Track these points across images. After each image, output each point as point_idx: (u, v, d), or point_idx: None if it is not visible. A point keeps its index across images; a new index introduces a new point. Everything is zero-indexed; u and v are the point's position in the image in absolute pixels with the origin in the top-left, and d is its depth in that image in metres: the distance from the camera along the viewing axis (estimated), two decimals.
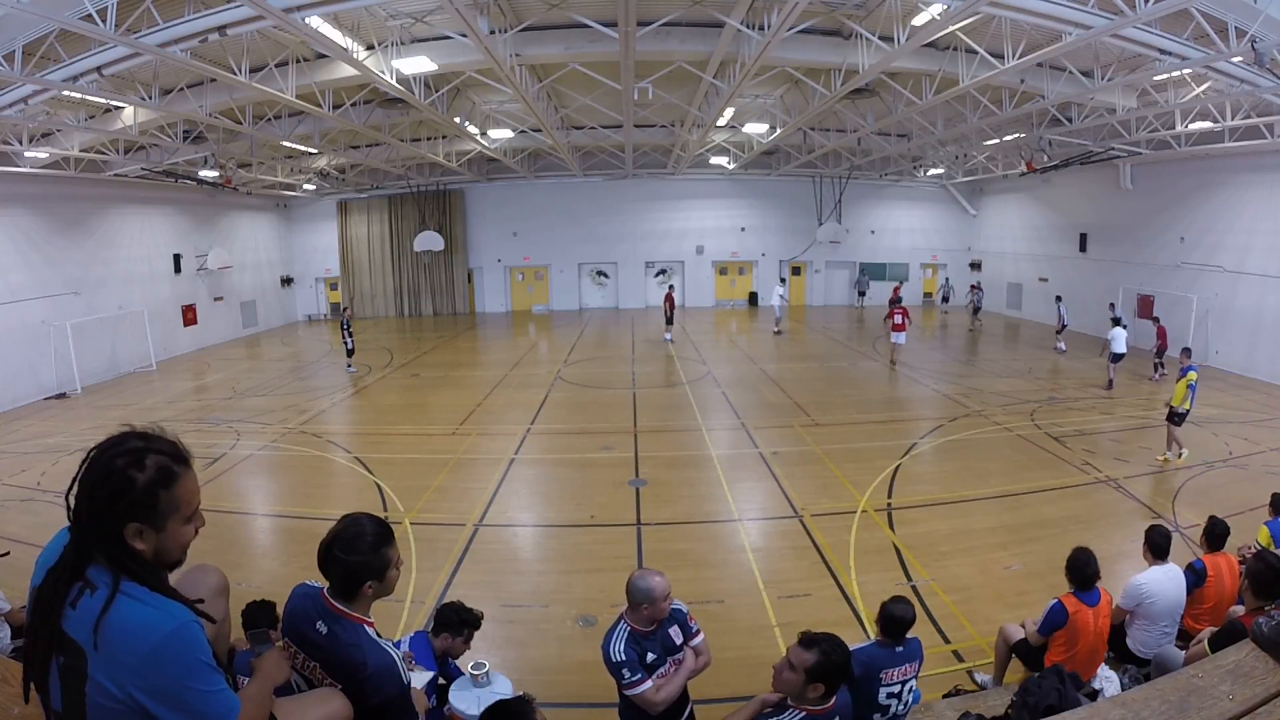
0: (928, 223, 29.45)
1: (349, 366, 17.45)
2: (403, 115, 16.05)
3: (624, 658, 3.26)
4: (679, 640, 3.46)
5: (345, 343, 17.33)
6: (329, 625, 2.16)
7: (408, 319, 28.17)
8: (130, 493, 1.58)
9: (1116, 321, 15.56)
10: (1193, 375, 9.74)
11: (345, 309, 19.93)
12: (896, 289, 24.33)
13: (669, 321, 21.02)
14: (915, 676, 3.66)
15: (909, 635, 3.76)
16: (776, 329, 22.26)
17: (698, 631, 3.55)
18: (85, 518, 1.58)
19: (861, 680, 3.48)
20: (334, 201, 28.04)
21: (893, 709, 3.58)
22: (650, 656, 3.33)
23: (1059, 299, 20.08)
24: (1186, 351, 10.74)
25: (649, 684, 3.27)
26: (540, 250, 28.69)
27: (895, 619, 3.72)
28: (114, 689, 1.52)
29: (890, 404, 13.88)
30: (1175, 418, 9.80)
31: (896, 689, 3.58)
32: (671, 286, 24.21)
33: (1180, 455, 9.81)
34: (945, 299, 27.17)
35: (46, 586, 1.60)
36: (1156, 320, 16.22)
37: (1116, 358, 14.38)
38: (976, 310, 23.55)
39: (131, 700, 1.53)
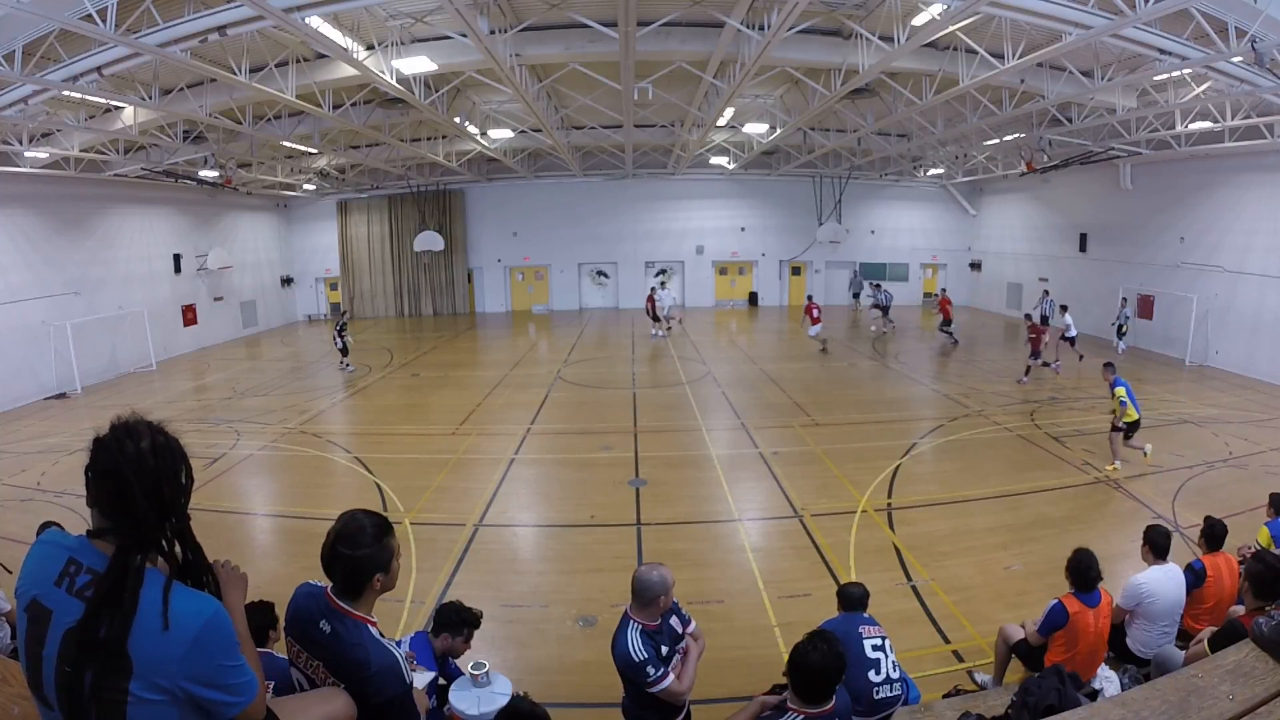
0: (928, 223, 29.44)
1: (346, 366, 17.46)
2: (403, 115, 16.04)
3: (646, 655, 3.30)
4: (680, 629, 3.54)
5: (336, 342, 17.39)
6: (332, 624, 2.16)
7: (408, 319, 28.16)
8: (182, 474, 1.62)
9: (1065, 309, 17.29)
10: (1120, 390, 9.34)
11: (344, 312, 19.85)
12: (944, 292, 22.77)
13: (655, 319, 21.59)
14: (887, 639, 3.79)
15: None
16: (667, 328, 21.87)
17: (690, 617, 3.66)
18: (147, 514, 1.56)
19: (846, 639, 3.52)
20: (334, 201, 28.03)
21: (883, 666, 3.62)
22: (664, 650, 3.40)
23: (1046, 292, 20.42)
24: (1109, 367, 10.11)
25: (671, 677, 3.35)
26: (540, 250, 28.68)
27: (854, 597, 4.02)
28: (161, 682, 1.54)
29: (890, 404, 13.88)
30: (1122, 428, 9.45)
31: (879, 642, 3.70)
32: (653, 289, 23.70)
33: (1116, 466, 9.49)
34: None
35: (102, 603, 1.51)
36: (1029, 318, 16.28)
37: (1071, 341, 16.49)
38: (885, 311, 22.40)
39: (177, 689, 1.55)
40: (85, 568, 1.58)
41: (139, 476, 1.55)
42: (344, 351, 17.43)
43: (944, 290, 22.38)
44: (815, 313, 19.20)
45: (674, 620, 3.53)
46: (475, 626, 4.10)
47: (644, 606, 3.40)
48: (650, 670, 3.29)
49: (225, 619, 1.63)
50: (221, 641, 1.61)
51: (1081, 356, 16.40)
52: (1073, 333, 16.61)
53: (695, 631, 3.64)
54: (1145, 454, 9.57)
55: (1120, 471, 9.40)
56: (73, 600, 1.56)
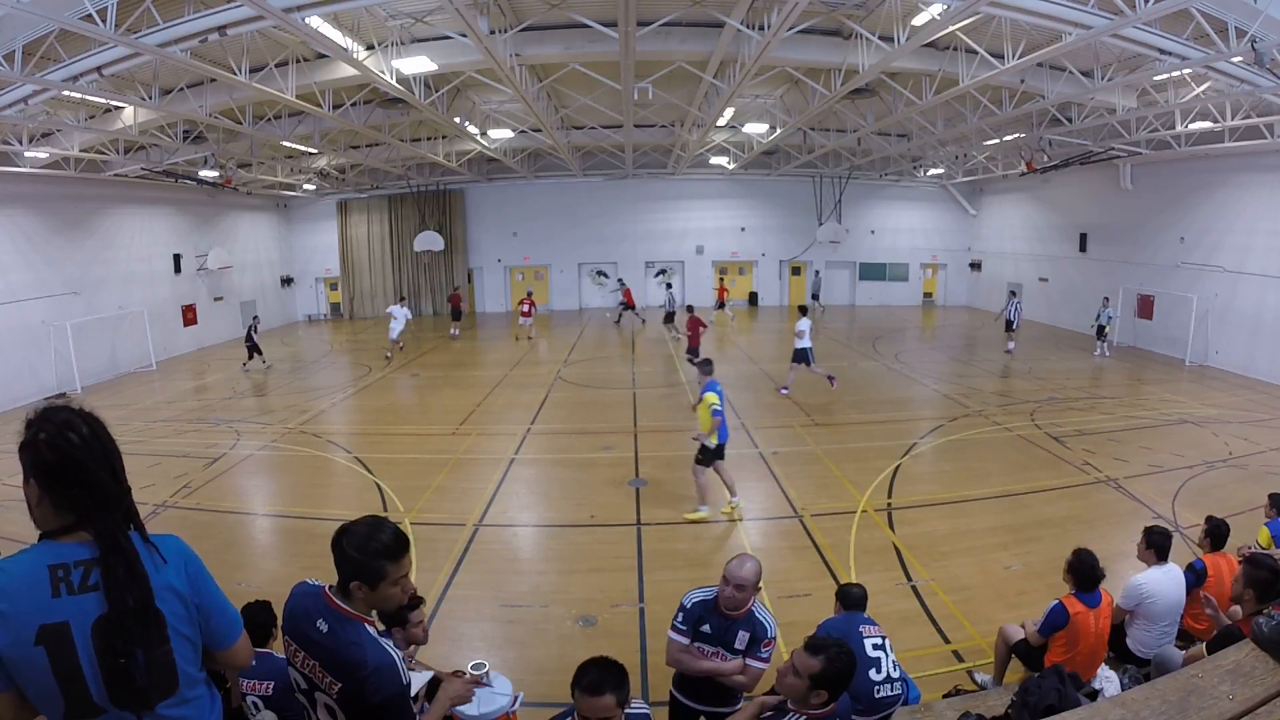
0: (928, 223, 29.46)
1: (246, 366, 17.65)
2: (403, 115, 16.05)
3: (688, 606, 3.53)
4: (739, 646, 3.46)
5: (248, 341, 17.59)
6: (330, 623, 2.15)
7: (407, 319, 28.11)
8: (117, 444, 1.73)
9: (804, 311, 14.49)
10: (712, 397, 7.50)
11: (255, 317, 19.59)
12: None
13: (630, 308, 24.21)
14: (887, 639, 3.80)
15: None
16: (397, 345, 19.84)
17: (767, 658, 3.49)
18: (115, 488, 1.66)
19: (847, 639, 3.51)
20: (334, 201, 28.03)
21: (883, 665, 3.62)
22: (705, 628, 3.46)
23: (1013, 293, 20.06)
24: (705, 365, 8.04)
25: (683, 643, 3.46)
26: (540, 250, 28.70)
27: (854, 597, 4.07)
28: (184, 612, 1.74)
29: (890, 404, 13.87)
30: (706, 454, 7.79)
31: (879, 642, 3.71)
32: (621, 279, 26.87)
33: (734, 503, 8.03)
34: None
35: (118, 580, 1.59)
36: (691, 310, 14.57)
37: (798, 354, 13.65)
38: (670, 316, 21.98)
39: (194, 613, 1.77)
40: (73, 564, 1.56)
41: (95, 459, 1.60)
42: (250, 353, 17.62)
43: (691, 309, 17.58)
44: (526, 308, 21.85)
45: (743, 634, 3.43)
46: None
47: (722, 582, 3.48)
48: (678, 616, 3.52)
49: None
50: (200, 562, 1.84)
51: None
52: (804, 343, 13.53)
53: (753, 668, 3.44)
54: (725, 507, 7.97)
55: (740, 511, 8.01)
56: (82, 597, 1.55)
